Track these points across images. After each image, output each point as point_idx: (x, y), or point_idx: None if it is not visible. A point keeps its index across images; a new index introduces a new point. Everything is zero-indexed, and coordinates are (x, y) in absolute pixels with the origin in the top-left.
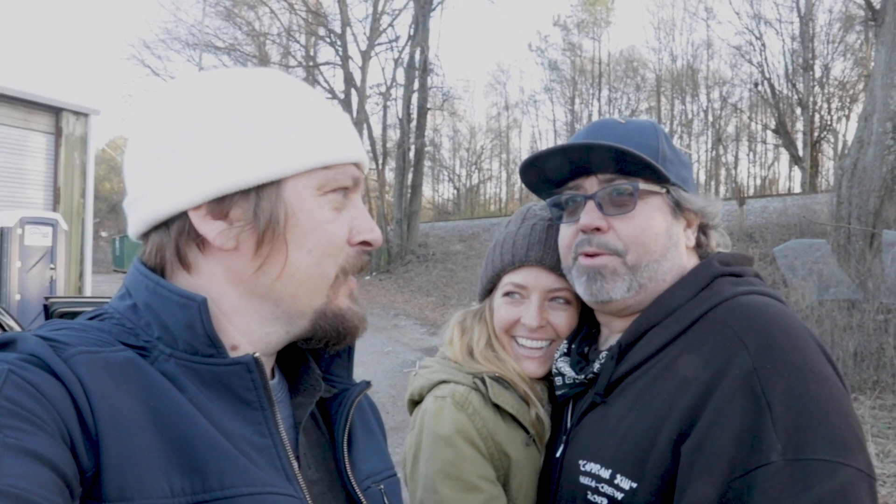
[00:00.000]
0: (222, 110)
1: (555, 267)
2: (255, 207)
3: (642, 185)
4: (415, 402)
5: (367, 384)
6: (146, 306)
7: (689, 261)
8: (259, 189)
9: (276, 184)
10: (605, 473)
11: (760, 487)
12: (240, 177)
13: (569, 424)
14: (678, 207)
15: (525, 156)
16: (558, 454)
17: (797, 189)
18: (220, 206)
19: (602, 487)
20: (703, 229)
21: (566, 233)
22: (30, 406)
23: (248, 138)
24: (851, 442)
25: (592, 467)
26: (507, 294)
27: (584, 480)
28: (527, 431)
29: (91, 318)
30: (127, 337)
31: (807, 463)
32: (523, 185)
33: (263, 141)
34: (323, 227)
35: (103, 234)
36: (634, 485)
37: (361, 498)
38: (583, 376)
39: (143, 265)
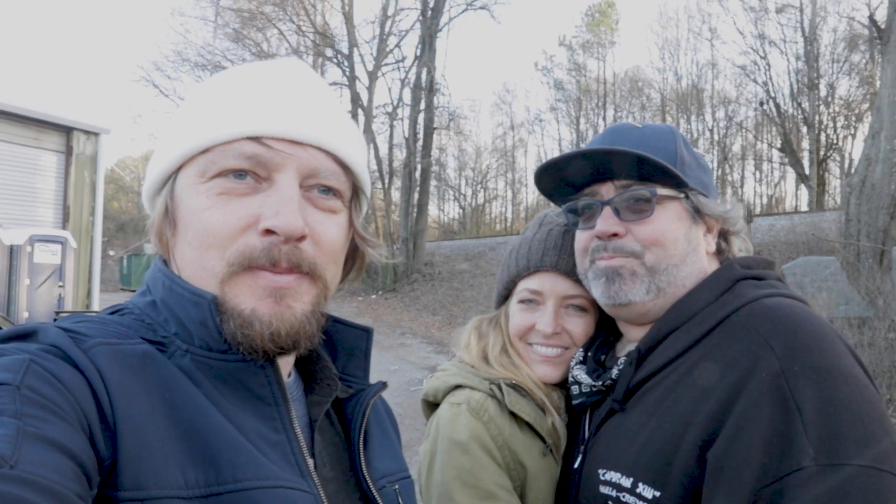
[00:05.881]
0: (174, 119)
1: (570, 273)
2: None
3: (660, 191)
4: (428, 403)
5: (383, 385)
6: (163, 303)
7: (710, 266)
8: (163, 186)
9: (171, 177)
10: (627, 482)
11: (792, 494)
12: (151, 177)
13: (587, 434)
14: (697, 213)
15: (531, 174)
16: (576, 465)
17: (804, 207)
18: (152, 205)
19: (623, 497)
20: (724, 235)
21: (582, 238)
22: (50, 395)
23: (164, 139)
24: (886, 445)
25: (613, 476)
26: (522, 300)
27: (605, 490)
28: (543, 441)
29: (112, 313)
30: (146, 332)
31: (840, 468)
32: (530, 203)
33: (170, 138)
34: (198, 216)
35: (111, 252)
36: (657, 493)
37: (377, 497)
38: (600, 383)
39: (164, 262)
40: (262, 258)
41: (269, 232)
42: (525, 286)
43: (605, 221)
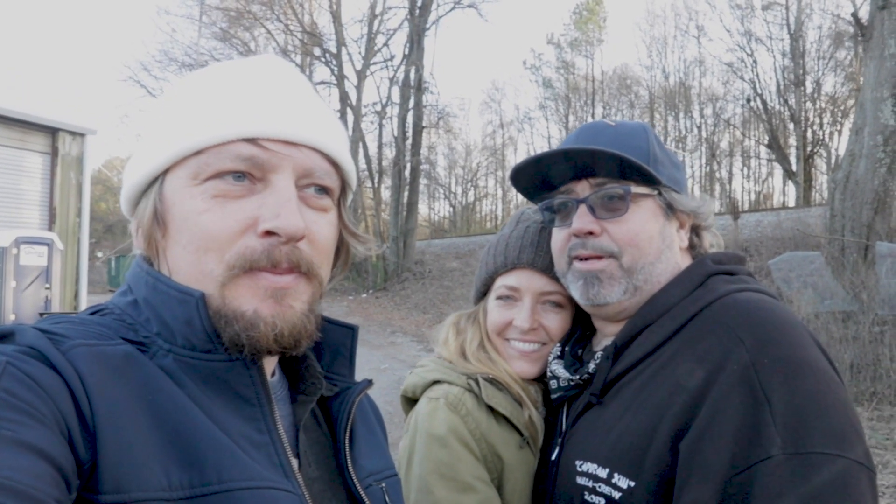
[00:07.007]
0: (153, 117)
1: (547, 269)
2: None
3: (634, 188)
4: (407, 399)
5: (369, 383)
6: (146, 302)
7: (683, 262)
8: (148, 188)
9: (158, 180)
10: (603, 473)
11: (761, 482)
12: (135, 178)
13: (564, 427)
14: (670, 209)
15: None
16: (554, 457)
17: (791, 203)
18: (136, 209)
19: (599, 487)
20: (695, 230)
21: (559, 237)
22: (28, 398)
23: (148, 139)
24: (850, 434)
25: (589, 467)
26: (499, 297)
27: (581, 481)
28: (520, 434)
29: (92, 314)
30: (126, 332)
31: (806, 456)
32: (520, 202)
33: (156, 139)
34: (194, 219)
35: (99, 254)
36: (632, 483)
37: (363, 496)
38: (577, 377)
39: (146, 261)
40: (262, 260)
41: (269, 233)
42: (502, 283)
43: (581, 219)
